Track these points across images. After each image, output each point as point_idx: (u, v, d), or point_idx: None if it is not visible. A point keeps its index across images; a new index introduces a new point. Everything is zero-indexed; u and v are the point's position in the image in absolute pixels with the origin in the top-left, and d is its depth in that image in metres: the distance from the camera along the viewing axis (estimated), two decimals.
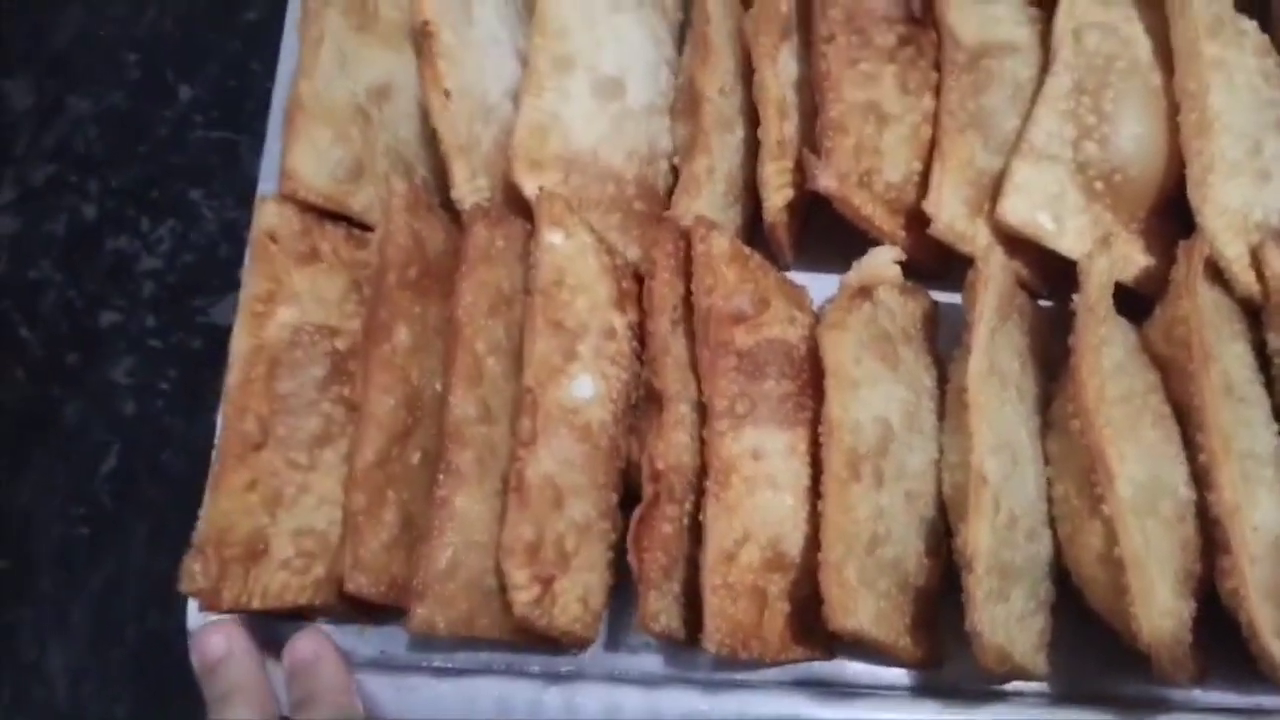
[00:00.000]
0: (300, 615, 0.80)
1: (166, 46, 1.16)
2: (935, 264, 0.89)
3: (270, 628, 0.79)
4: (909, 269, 0.88)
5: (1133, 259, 0.85)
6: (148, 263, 1.07)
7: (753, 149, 0.88)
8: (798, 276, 0.91)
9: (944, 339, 0.86)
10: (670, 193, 0.91)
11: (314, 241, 0.83)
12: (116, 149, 1.12)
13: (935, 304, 0.88)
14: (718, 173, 0.86)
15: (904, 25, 0.88)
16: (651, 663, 0.81)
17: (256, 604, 0.75)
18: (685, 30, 0.96)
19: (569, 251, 0.78)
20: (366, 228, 0.87)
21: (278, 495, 0.76)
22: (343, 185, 0.86)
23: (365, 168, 0.87)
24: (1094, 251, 0.78)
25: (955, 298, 0.83)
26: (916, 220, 0.86)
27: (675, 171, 0.91)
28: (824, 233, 0.90)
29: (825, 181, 0.81)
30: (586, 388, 0.75)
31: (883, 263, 0.80)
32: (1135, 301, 0.84)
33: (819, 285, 0.89)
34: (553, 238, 0.77)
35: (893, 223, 0.87)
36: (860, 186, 0.84)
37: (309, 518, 0.76)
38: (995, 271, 0.79)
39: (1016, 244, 0.86)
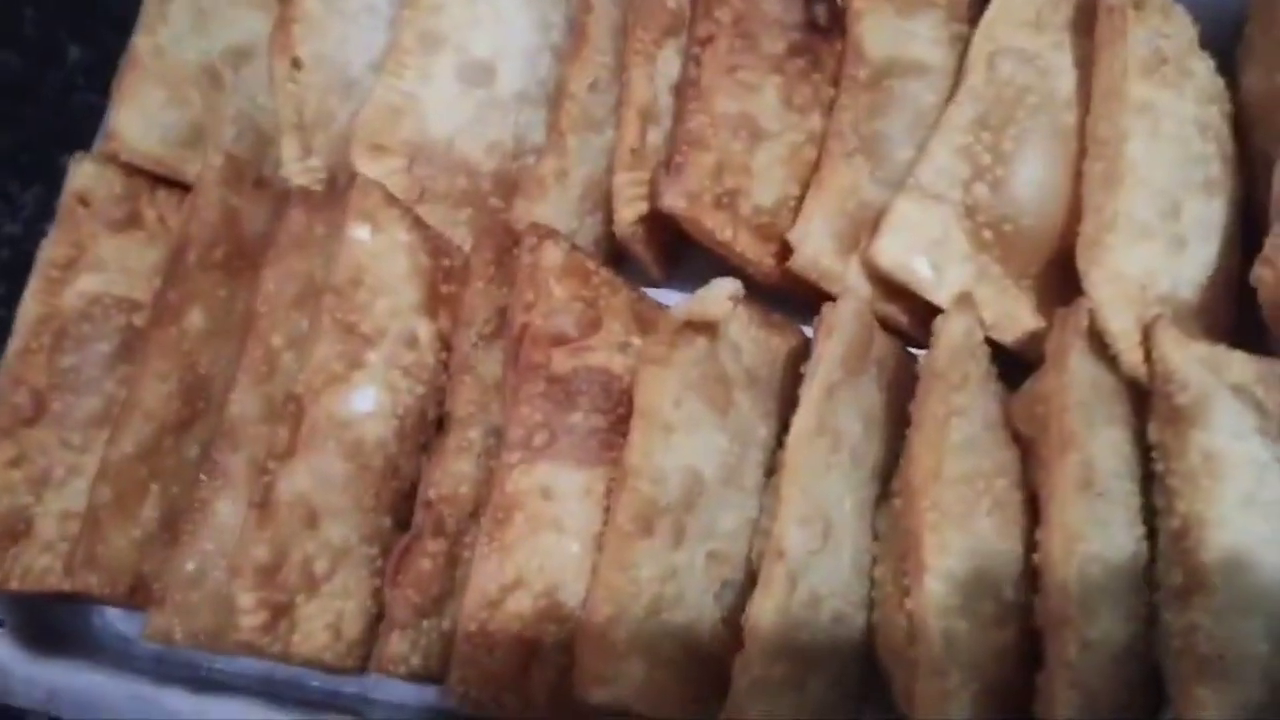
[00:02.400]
0: (73, 597, 0.77)
1: (62, 5, 1.12)
2: (813, 296, 0.81)
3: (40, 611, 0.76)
4: (785, 300, 0.80)
5: (1018, 319, 0.76)
6: (9, 228, 1.04)
7: None
8: (671, 294, 0.85)
9: None
10: None
11: (137, 207, 0.79)
12: (3, 111, 1.09)
13: (807, 342, 0.80)
14: (572, 177, 0.80)
15: (800, 33, 0.79)
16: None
17: (15, 585, 0.72)
18: None
19: (375, 249, 0.72)
20: None
21: (45, 475, 0.73)
22: (175, 150, 0.82)
23: (207, 133, 0.83)
24: (950, 312, 0.70)
25: None
26: (789, 249, 0.78)
27: None
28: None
29: (670, 200, 0.74)
30: (367, 400, 0.70)
31: (718, 297, 0.72)
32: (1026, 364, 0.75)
33: None
34: (358, 232, 0.72)
35: (760, 250, 0.79)
36: (718, 208, 0.76)
37: (78, 501, 0.73)
38: (844, 319, 0.71)
39: (896, 288, 0.77)
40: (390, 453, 0.70)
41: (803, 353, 0.80)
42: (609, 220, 0.83)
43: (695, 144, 0.75)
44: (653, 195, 0.76)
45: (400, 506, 0.72)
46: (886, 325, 0.77)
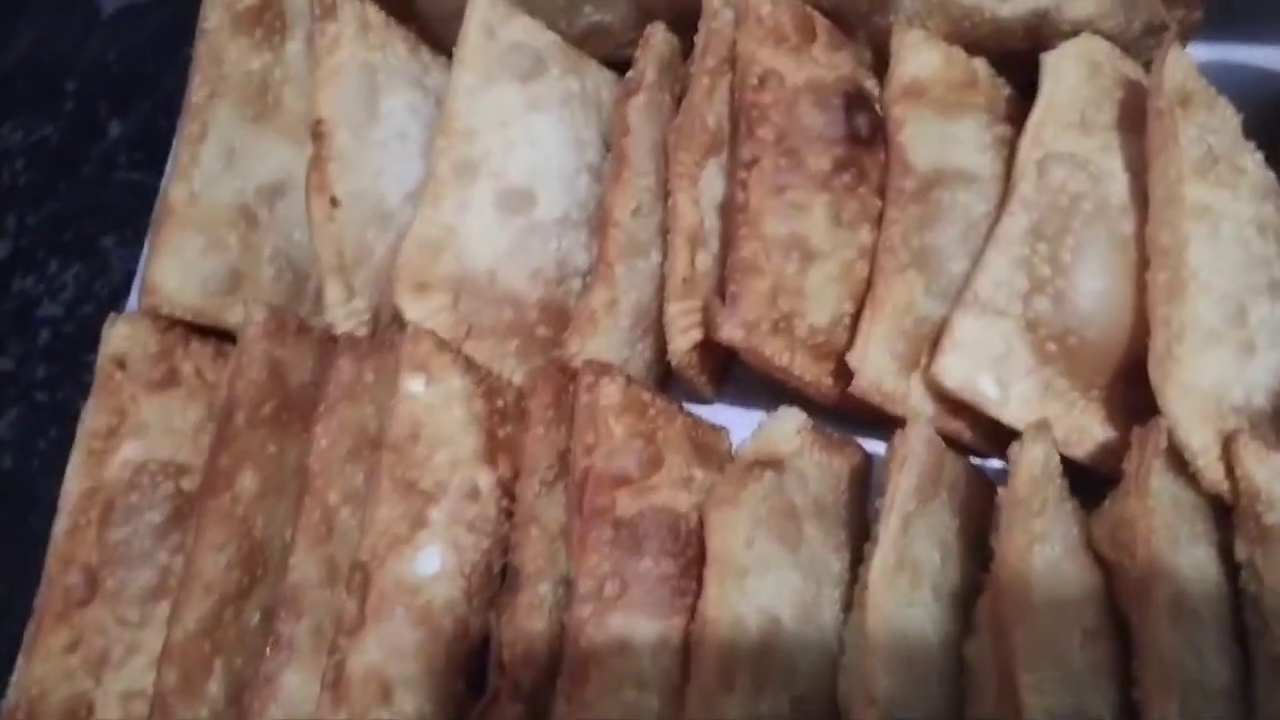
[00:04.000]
0: None
1: (105, 78, 1.13)
2: (871, 413, 0.80)
3: None
4: (842, 416, 0.80)
5: (1089, 432, 0.75)
6: (49, 309, 1.05)
7: None
8: (723, 412, 0.84)
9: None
10: None
11: (173, 363, 0.78)
12: (40, 184, 1.10)
13: (868, 459, 0.79)
14: (622, 305, 0.79)
15: (843, 146, 0.79)
16: None
17: None
18: None
19: (430, 401, 0.71)
20: None
21: (104, 655, 0.71)
22: (215, 298, 0.81)
23: (244, 277, 0.82)
24: (1026, 438, 0.69)
25: None
26: (847, 366, 0.77)
27: None
28: None
29: (729, 331, 0.73)
30: (433, 561, 0.69)
31: (783, 435, 0.72)
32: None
33: (748, 421, 0.81)
34: (412, 385, 0.71)
35: (818, 369, 0.78)
36: (775, 333, 0.75)
37: (139, 679, 0.72)
38: (916, 450, 0.70)
39: (959, 404, 0.76)
40: (460, 613, 0.69)
41: (865, 471, 0.79)
42: (658, 344, 0.82)
43: (749, 271, 0.74)
44: (708, 324, 0.76)
45: (471, 665, 0.71)
46: (950, 441, 0.76)
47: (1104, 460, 0.75)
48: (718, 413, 0.85)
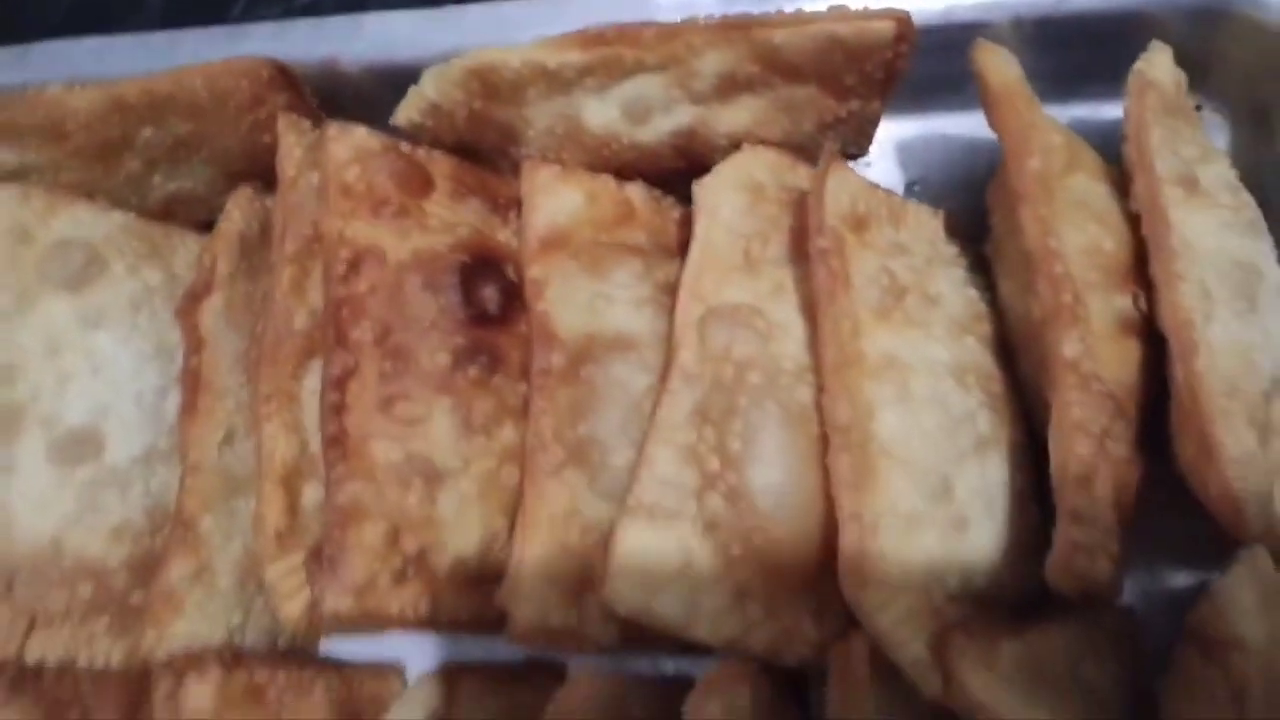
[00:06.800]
0: None
1: None
2: None
3: None
4: None
5: (801, 633, 0.64)
6: None
7: None
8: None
9: None
10: None
11: None
12: None
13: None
14: (219, 564, 0.65)
15: (467, 331, 0.66)
16: None
17: None
18: None
19: None
20: None
21: None
22: None
23: None
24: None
25: None
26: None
27: None
28: None
29: (333, 603, 0.60)
30: None
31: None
32: None
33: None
34: None
35: (477, 606, 0.65)
36: (401, 583, 0.63)
37: None
38: None
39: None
40: None
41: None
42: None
43: (350, 521, 0.61)
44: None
45: None
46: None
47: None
48: None
